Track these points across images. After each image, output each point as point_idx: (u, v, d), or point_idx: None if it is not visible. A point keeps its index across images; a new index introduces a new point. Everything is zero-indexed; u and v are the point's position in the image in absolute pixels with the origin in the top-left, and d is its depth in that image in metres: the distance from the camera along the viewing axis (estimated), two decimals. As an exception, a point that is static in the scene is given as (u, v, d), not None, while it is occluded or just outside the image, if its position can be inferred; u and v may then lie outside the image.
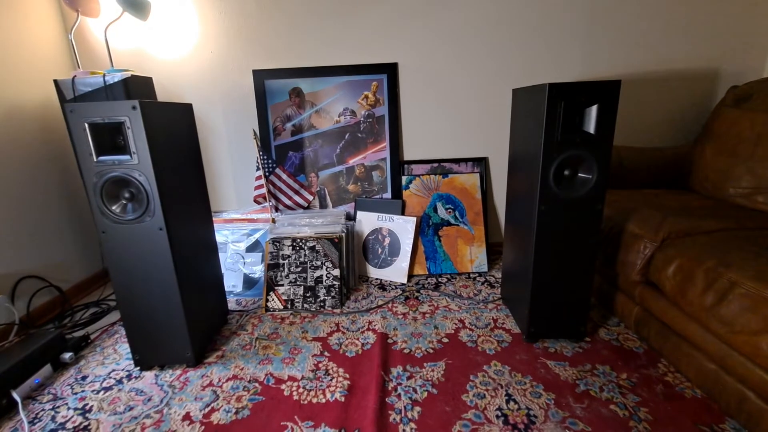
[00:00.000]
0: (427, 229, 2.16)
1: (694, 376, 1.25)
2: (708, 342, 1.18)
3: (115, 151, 1.22)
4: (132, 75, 1.73)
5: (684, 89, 2.10)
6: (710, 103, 2.12)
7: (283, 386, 1.33)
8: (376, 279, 2.09)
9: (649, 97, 2.11)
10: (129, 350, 1.54)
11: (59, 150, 1.98)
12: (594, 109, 1.24)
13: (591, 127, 1.25)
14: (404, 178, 2.20)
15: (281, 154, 2.19)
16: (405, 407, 1.21)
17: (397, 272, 2.07)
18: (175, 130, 1.37)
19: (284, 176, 2.15)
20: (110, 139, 1.23)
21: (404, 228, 2.10)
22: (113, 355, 1.54)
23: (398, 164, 2.21)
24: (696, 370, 1.24)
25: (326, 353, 1.49)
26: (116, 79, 1.70)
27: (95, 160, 1.21)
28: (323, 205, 2.27)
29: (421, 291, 1.95)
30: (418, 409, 1.21)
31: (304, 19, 2.03)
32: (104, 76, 1.70)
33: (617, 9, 1.98)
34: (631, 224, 1.49)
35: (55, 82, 1.71)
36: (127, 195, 1.26)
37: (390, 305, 1.82)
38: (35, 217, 1.83)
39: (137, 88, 1.76)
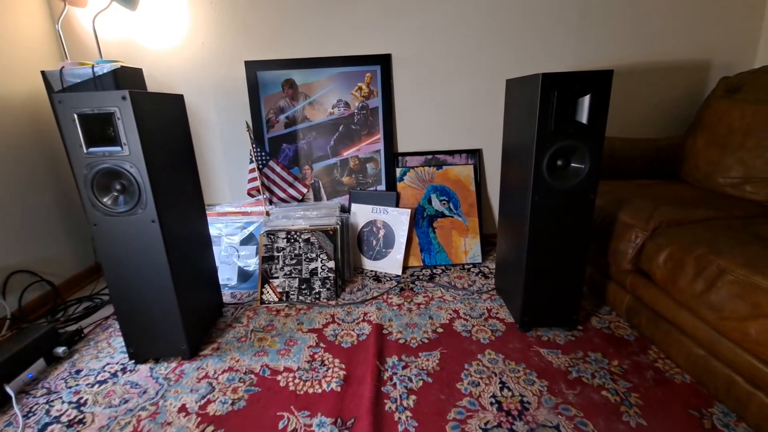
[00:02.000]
0: (421, 221, 2.16)
1: (683, 362, 1.27)
2: (697, 328, 1.20)
3: (105, 143, 1.21)
4: (121, 66, 1.70)
5: (675, 80, 2.11)
6: (701, 94, 2.14)
7: (279, 377, 1.33)
8: (371, 271, 2.10)
9: (640, 89, 2.13)
10: (123, 344, 1.54)
11: (48, 142, 1.95)
12: (587, 99, 1.24)
13: (584, 117, 1.26)
14: (398, 170, 2.20)
15: (275, 146, 2.18)
16: (400, 396, 1.23)
17: (391, 264, 2.07)
18: (166, 122, 1.35)
19: (278, 169, 2.14)
20: (100, 130, 1.21)
21: (399, 220, 2.10)
22: (107, 349, 1.53)
23: (392, 156, 2.21)
24: (685, 356, 1.26)
25: (322, 344, 1.50)
26: (105, 70, 1.67)
27: (85, 151, 1.20)
28: (318, 198, 2.26)
29: (416, 282, 1.96)
30: (413, 397, 1.22)
31: (296, 9, 2.01)
32: (93, 67, 1.67)
33: (609, 0, 1.98)
34: (623, 214, 1.50)
35: (43, 73, 1.68)
36: (118, 187, 1.24)
37: (385, 296, 1.83)
38: (25, 211, 1.81)
39: (127, 79, 1.73)
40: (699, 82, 2.12)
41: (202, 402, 1.24)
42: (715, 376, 1.16)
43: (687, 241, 1.25)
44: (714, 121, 1.82)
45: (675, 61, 2.08)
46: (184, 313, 1.39)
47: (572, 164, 1.32)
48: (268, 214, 2.07)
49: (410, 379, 1.29)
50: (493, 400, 1.20)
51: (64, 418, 1.20)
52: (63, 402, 1.27)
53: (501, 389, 1.24)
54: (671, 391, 1.21)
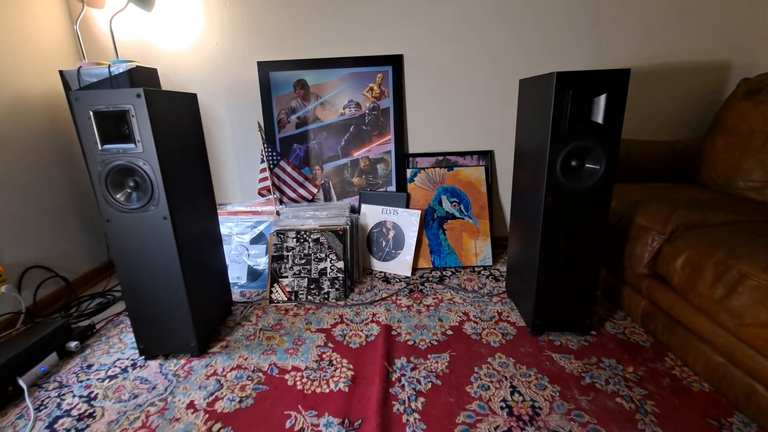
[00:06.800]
0: (431, 223, 2.15)
1: (701, 369, 1.23)
2: (716, 335, 1.16)
3: (119, 140, 1.22)
4: (137, 66, 1.73)
5: (694, 81, 2.07)
6: (721, 96, 2.09)
7: (286, 376, 1.33)
8: (380, 272, 2.09)
9: (657, 90, 2.08)
10: (134, 340, 1.55)
11: (64, 141, 1.99)
12: (602, 98, 1.22)
13: (599, 117, 1.23)
14: (409, 171, 2.19)
15: (286, 146, 2.19)
16: (409, 398, 1.21)
17: (401, 265, 2.06)
18: (179, 120, 1.36)
19: (289, 169, 2.15)
20: (115, 127, 1.22)
21: (409, 221, 2.09)
22: (118, 345, 1.54)
23: (403, 157, 2.20)
24: (704, 363, 1.22)
25: (330, 344, 1.49)
26: (121, 70, 1.69)
27: (100, 148, 1.21)
28: (328, 198, 2.26)
29: (426, 284, 1.94)
30: (422, 399, 1.20)
31: (309, 10, 2.02)
32: (109, 66, 1.70)
33: (626, -1, 1.95)
34: (639, 217, 1.47)
35: (61, 72, 1.72)
36: (131, 184, 1.26)
37: (394, 298, 1.81)
38: (41, 207, 1.84)
39: (142, 78, 1.75)
40: (717, 84, 2.07)
41: (210, 399, 1.24)
42: (734, 384, 1.12)
43: (706, 245, 1.21)
44: (734, 123, 1.77)
45: (693, 61, 2.03)
46: (194, 311, 1.39)
47: (587, 165, 1.30)
48: (278, 213, 2.07)
49: (419, 381, 1.28)
50: (504, 405, 1.17)
51: (74, 412, 1.21)
52: (74, 396, 1.28)
53: (512, 393, 1.21)
54: (689, 399, 1.17)
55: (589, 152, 1.28)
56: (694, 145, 1.95)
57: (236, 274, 2.00)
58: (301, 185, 2.18)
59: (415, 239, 2.06)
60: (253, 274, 1.99)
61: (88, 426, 1.16)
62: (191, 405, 1.22)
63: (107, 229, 1.29)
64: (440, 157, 2.21)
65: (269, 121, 2.14)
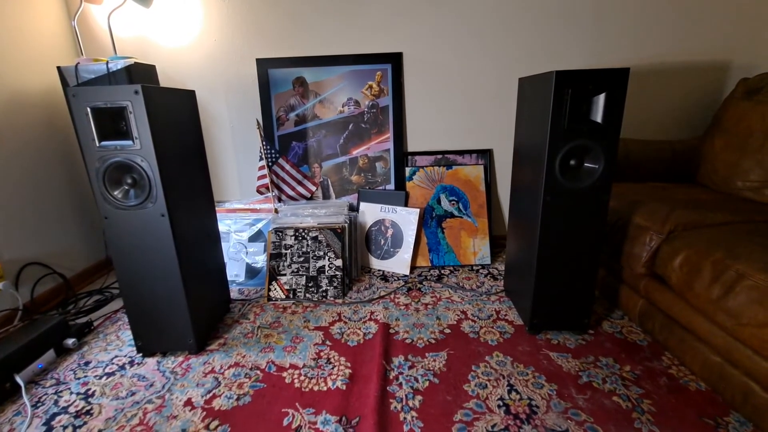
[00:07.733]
0: (430, 221, 2.14)
1: (698, 369, 1.23)
2: (714, 335, 1.16)
3: (117, 137, 1.22)
4: (135, 62, 1.72)
5: (693, 81, 2.06)
6: (720, 96, 2.09)
7: (284, 374, 1.33)
8: (379, 270, 2.09)
9: (657, 90, 2.08)
10: (131, 337, 1.55)
11: (62, 137, 1.98)
12: (602, 97, 1.22)
13: (598, 116, 1.23)
14: (408, 170, 2.19)
15: (284, 144, 2.18)
16: (406, 396, 1.21)
17: (399, 263, 2.06)
18: (177, 117, 1.36)
19: (287, 166, 2.14)
20: (113, 124, 1.22)
21: (407, 219, 2.08)
22: (116, 342, 1.54)
23: (402, 155, 2.19)
24: (701, 363, 1.22)
25: (328, 342, 1.49)
26: (119, 67, 1.69)
27: (97, 145, 1.21)
28: (326, 196, 2.26)
29: (424, 282, 1.94)
30: (419, 397, 1.20)
31: (308, 7, 2.01)
32: (107, 63, 1.69)
33: (626, -1, 1.95)
34: (638, 216, 1.47)
35: (59, 69, 1.71)
36: (129, 180, 1.25)
37: (392, 296, 1.81)
38: (39, 204, 1.84)
39: (140, 75, 1.75)
40: (717, 84, 2.07)
41: (208, 396, 1.24)
42: (731, 384, 1.12)
43: (704, 245, 1.22)
44: (733, 123, 1.77)
45: (692, 61, 2.03)
46: (192, 308, 1.39)
47: (586, 164, 1.30)
48: (276, 211, 2.07)
49: (416, 379, 1.28)
50: (501, 403, 1.17)
51: (72, 409, 1.21)
52: (71, 393, 1.28)
53: (509, 392, 1.22)
54: (685, 398, 1.17)
55: (588, 151, 1.27)
56: (694, 145, 1.95)
57: (234, 272, 2.00)
58: (300, 183, 2.18)
59: (414, 237, 2.06)
60: (251, 271, 1.99)
61: (85, 423, 1.16)
62: (189, 402, 1.22)
63: (105, 226, 1.29)
64: (439, 156, 2.21)
65: (268, 119, 2.14)
